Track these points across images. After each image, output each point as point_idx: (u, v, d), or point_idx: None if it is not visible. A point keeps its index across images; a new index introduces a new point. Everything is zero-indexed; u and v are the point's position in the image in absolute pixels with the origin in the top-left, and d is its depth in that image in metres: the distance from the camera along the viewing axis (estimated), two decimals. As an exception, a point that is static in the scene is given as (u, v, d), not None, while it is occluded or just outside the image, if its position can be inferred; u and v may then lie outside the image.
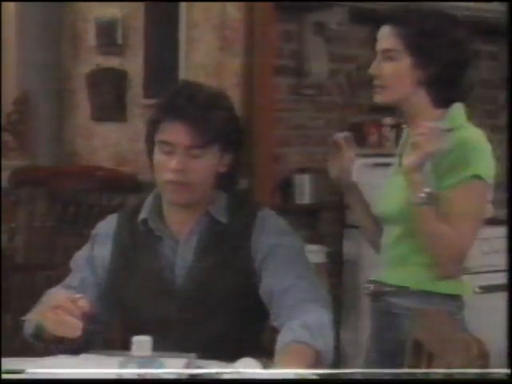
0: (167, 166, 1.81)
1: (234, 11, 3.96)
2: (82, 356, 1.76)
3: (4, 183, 3.84)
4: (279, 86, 3.97)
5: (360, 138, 4.11)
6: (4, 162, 4.60)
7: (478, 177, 2.01)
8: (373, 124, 4.19)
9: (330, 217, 4.12)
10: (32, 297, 2.01)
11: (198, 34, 4.13)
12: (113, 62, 4.70)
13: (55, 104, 5.02)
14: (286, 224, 1.95)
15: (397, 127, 4.19)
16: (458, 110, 2.10)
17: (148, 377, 1.44)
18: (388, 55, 2.07)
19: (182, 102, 1.80)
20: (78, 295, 1.70)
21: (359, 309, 3.93)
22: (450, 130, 2.01)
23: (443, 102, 2.10)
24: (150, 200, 1.93)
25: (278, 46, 3.95)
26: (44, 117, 4.96)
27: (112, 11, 4.65)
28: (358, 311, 3.94)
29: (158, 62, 4.35)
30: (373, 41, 2.12)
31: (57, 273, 2.12)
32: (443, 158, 2.01)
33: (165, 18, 4.30)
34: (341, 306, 4.00)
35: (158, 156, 1.84)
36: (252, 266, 1.84)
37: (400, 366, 1.70)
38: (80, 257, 1.97)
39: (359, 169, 3.92)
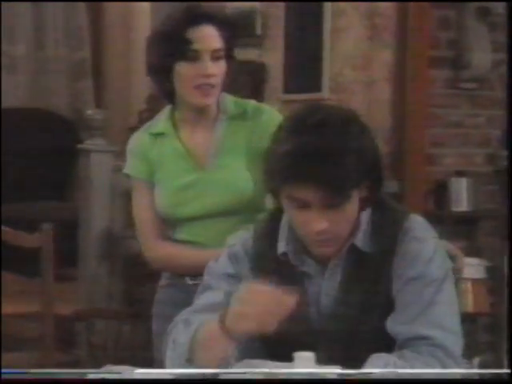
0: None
1: (385, -3, 4.04)
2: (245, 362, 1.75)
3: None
4: (435, 79, 3.90)
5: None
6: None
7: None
8: (540, 123, 4.01)
9: (490, 226, 4.05)
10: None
11: (344, 22, 4.12)
12: (251, 54, 4.64)
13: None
14: (435, 239, 1.81)
15: None
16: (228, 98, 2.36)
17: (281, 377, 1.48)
18: (217, 55, 2.21)
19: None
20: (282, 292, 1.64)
21: (524, 331, 3.61)
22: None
23: None
24: (284, 226, 1.85)
25: (434, 35, 3.89)
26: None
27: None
28: (523, 334, 3.62)
29: (299, 54, 4.32)
30: None
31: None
32: None
33: (308, 7, 4.27)
34: (502, 327, 3.86)
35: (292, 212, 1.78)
36: (391, 296, 1.77)
37: None
38: (217, 273, 1.91)
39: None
